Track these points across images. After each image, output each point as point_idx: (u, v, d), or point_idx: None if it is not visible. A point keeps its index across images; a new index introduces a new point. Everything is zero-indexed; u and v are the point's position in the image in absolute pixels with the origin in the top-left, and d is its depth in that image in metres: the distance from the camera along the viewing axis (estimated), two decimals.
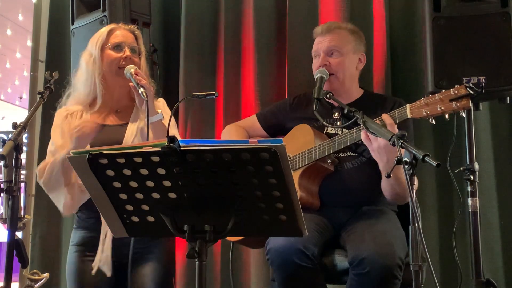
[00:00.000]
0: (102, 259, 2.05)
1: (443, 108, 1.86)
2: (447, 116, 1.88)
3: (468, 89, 1.83)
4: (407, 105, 1.97)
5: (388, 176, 1.68)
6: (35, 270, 2.12)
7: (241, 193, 1.36)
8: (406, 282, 1.86)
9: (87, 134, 2.02)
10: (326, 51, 2.31)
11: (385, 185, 2.08)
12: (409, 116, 1.95)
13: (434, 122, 1.92)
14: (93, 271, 2.04)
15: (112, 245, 2.05)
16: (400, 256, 1.88)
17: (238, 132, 2.51)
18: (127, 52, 2.16)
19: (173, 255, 2.24)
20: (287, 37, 2.90)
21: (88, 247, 2.11)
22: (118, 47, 2.17)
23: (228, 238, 2.31)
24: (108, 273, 2.04)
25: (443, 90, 1.89)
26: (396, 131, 1.86)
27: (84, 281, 2.09)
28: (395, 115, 1.98)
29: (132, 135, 2.13)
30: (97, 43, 2.18)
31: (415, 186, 2.07)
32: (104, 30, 2.23)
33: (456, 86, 1.86)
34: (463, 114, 1.91)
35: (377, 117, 1.97)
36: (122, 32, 2.22)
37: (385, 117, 1.95)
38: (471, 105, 1.87)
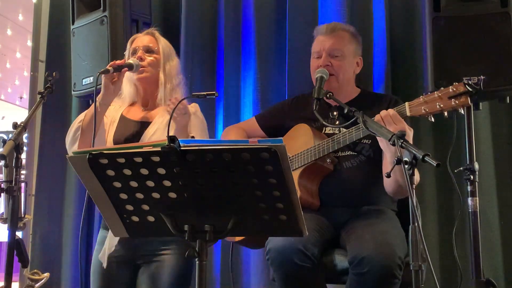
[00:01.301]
0: (102, 252, 2.14)
1: (442, 105, 1.86)
2: (446, 113, 1.88)
3: (466, 86, 1.83)
4: (406, 103, 1.96)
5: (388, 176, 1.68)
6: (35, 270, 2.13)
7: (241, 193, 1.36)
8: (406, 282, 1.86)
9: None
10: (329, 52, 2.29)
11: (388, 178, 2.06)
12: (408, 114, 1.94)
13: (433, 119, 1.92)
14: (104, 265, 2.13)
15: (127, 246, 2.13)
16: (400, 255, 1.88)
17: (238, 133, 2.51)
18: (138, 53, 2.28)
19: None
20: (287, 37, 2.90)
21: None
22: (134, 52, 2.31)
23: (228, 238, 2.31)
24: (104, 264, 2.14)
25: (442, 88, 1.89)
26: (401, 124, 1.86)
27: (102, 279, 2.17)
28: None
29: (150, 134, 2.21)
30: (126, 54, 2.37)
31: (417, 180, 2.08)
32: (129, 41, 2.40)
33: (454, 83, 1.86)
34: (462, 111, 1.90)
35: (374, 115, 1.96)
36: (139, 38, 2.36)
37: (385, 112, 1.95)
38: (470, 102, 1.87)
